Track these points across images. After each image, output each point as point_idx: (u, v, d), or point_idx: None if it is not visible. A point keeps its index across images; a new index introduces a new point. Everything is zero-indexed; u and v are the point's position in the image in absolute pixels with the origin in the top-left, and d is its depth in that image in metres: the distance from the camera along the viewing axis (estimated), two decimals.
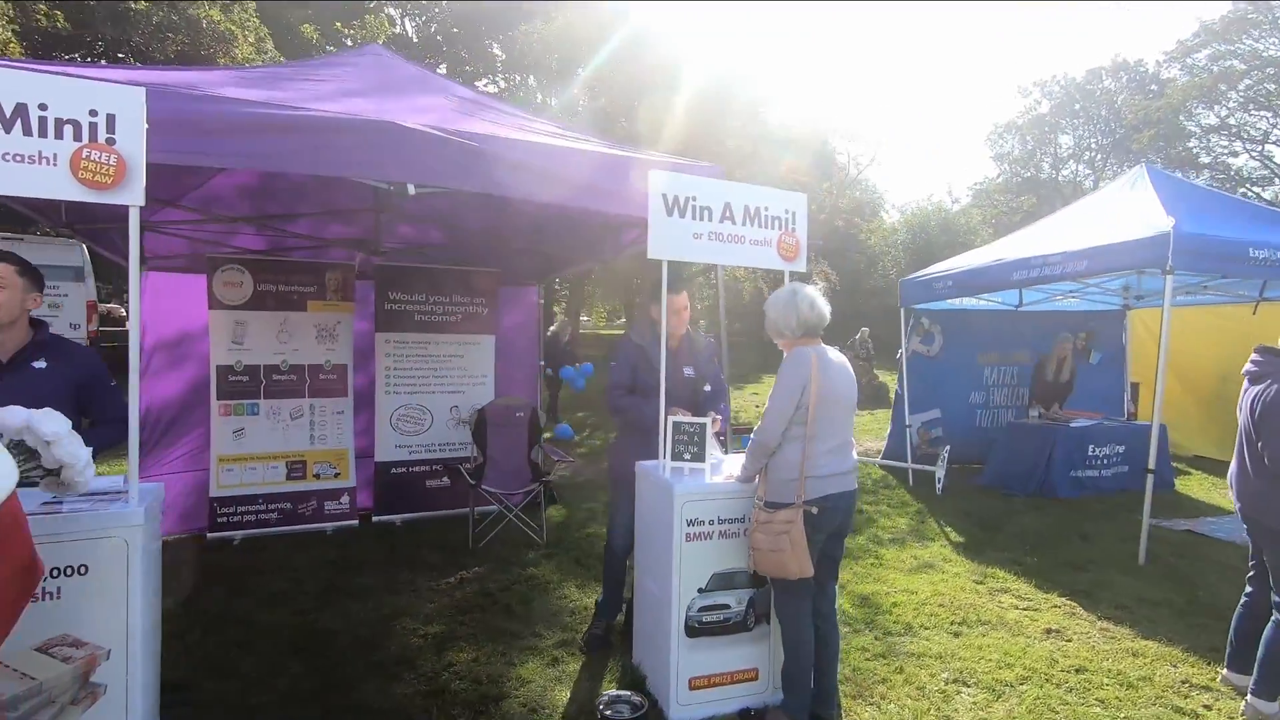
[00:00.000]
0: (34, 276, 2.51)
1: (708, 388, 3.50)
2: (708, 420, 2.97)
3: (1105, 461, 7.26)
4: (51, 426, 1.96)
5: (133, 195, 2.24)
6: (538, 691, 2.99)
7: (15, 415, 1.95)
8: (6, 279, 2.39)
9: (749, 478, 2.76)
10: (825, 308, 2.78)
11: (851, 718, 2.85)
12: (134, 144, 2.22)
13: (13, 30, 8.21)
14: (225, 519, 5.33)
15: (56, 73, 2.31)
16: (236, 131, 2.54)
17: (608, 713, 2.79)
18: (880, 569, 4.78)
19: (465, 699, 2.92)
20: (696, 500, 2.82)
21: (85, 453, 2.01)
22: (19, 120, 2.10)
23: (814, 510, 2.57)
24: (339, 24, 22.91)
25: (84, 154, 2.16)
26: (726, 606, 2.86)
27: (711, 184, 3.15)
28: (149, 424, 5.35)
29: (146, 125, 2.26)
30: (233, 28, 12.52)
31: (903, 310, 8.00)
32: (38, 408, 2.40)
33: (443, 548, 5.02)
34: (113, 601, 2.06)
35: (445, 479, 6.02)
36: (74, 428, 2.05)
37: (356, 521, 5.69)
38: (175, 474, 5.41)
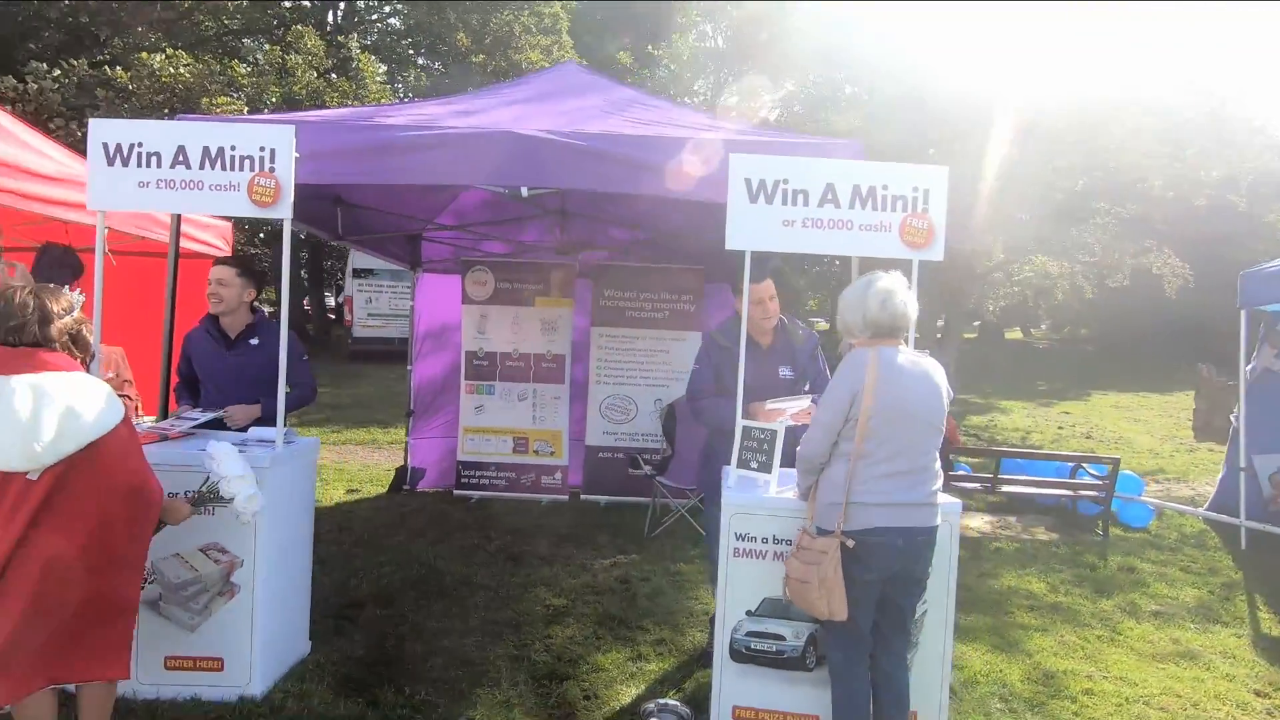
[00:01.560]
0: (253, 275, 3.36)
1: (808, 389, 3.11)
2: (779, 427, 2.65)
3: None
4: (231, 469, 2.49)
5: (284, 210, 2.87)
6: (604, 682, 3.03)
7: (219, 458, 2.51)
8: (227, 280, 3.25)
9: (802, 495, 2.41)
10: (903, 304, 2.27)
11: None
12: (286, 171, 2.84)
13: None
14: (467, 480, 6.35)
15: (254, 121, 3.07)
16: (367, 154, 3.08)
17: (647, 714, 2.70)
18: (1107, 644, 3.68)
19: (538, 670, 3.09)
20: (746, 513, 2.56)
21: (246, 490, 2.50)
22: (219, 159, 2.86)
23: (849, 543, 2.13)
24: (650, 47, 25.12)
25: (255, 181, 2.84)
26: (780, 638, 2.54)
27: (809, 163, 2.81)
28: (419, 397, 6.63)
29: (297, 155, 2.87)
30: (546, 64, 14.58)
31: (1244, 313, 5.95)
32: (252, 372, 3.23)
33: (618, 532, 5.29)
34: (239, 527, 2.68)
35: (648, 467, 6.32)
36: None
37: (566, 497, 6.29)
38: (436, 439, 6.61)
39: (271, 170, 2.83)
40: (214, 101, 8.78)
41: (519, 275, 6.42)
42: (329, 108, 10.09)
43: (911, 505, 2.18)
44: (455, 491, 6.29)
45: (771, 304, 3.14)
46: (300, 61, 9.93)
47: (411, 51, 19.13)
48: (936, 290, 15.91)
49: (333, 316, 21.50)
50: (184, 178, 2.85)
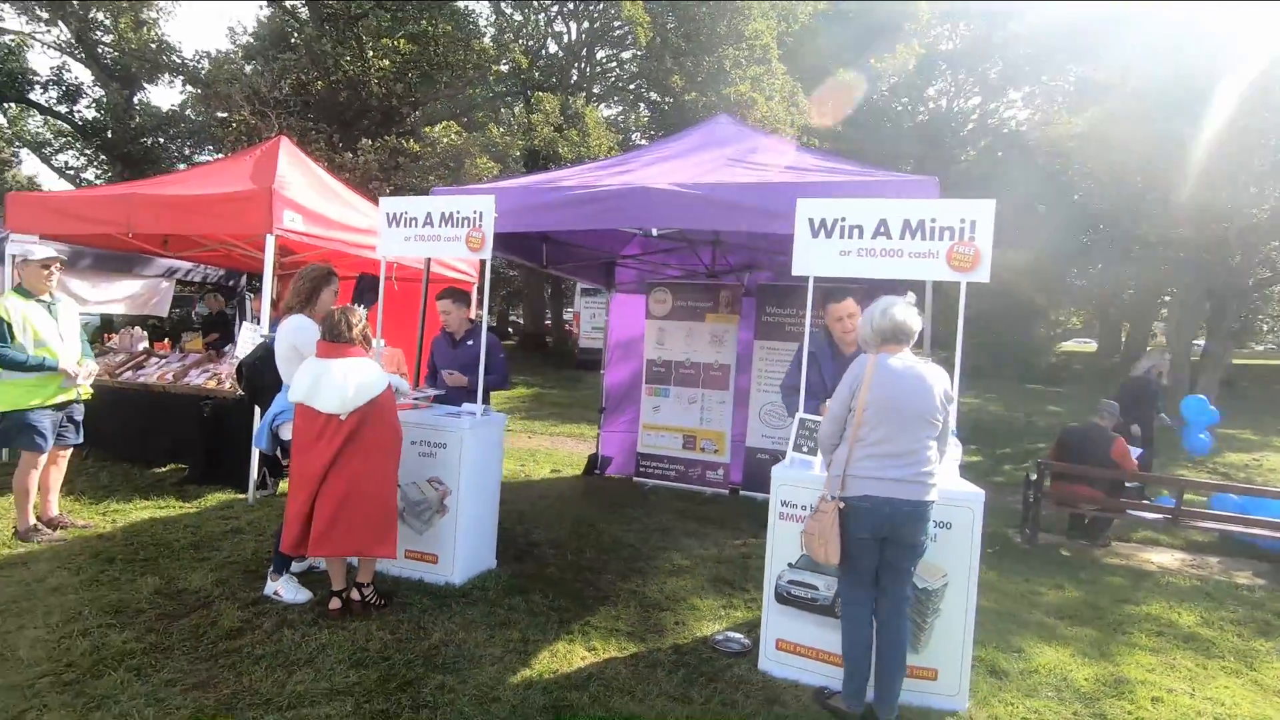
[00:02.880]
0: (463, 300, 4.75)
1: None
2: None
3: None
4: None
5: (486, 252, 4.15)
6: (694, 618, 3.82)
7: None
8: (446, 308, 4.67)
9: (825, 469, 3.01)
10: (901, 316, 2.80)
11: None
12: (489, 225, 4.12)
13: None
14: (644, 469, 7.46)
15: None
16: (543, 209, 4.27)
17: (716, 641, 3.47)
18: (1227, 674, 3.54)
19: (647, 602, 3.99)
20: (789, 485, 3.21)
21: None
22: (449, 220, 4.23)
23: (840, 505, 2.71)
24: (873, 60, 24.77)
25: (469, 235, 4.17)
26: (814, 588, 3.14)
27: (863, 203, 3.37)
28: (610, 397, 7.90)
29: (496, 215, 4.14)
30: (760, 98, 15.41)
31: None
32: (466, 360, 4.60)
33: (761, 522, 5.94)
34: (450, 468, 3.98)
35: None
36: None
37: (727, 491, 7.09)
38: (622, 433, 7.83)
39: (480, 225, 4.14)
40: (475, 161, 11.22)
41: (693, 294, 7.39)
42: (561, 156, 12.08)
43: (897, 481, 2.71)
44: (634, 478, 7.42)
45: (850, 321, 3.72)
46: (540, 119, 12.14)
47: (641, 91, 21.28)
48: (1190, 308, 13.67)
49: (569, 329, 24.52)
50: (429, 234, 4.28)
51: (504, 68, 13.87)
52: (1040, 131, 18.50)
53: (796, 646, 3.21)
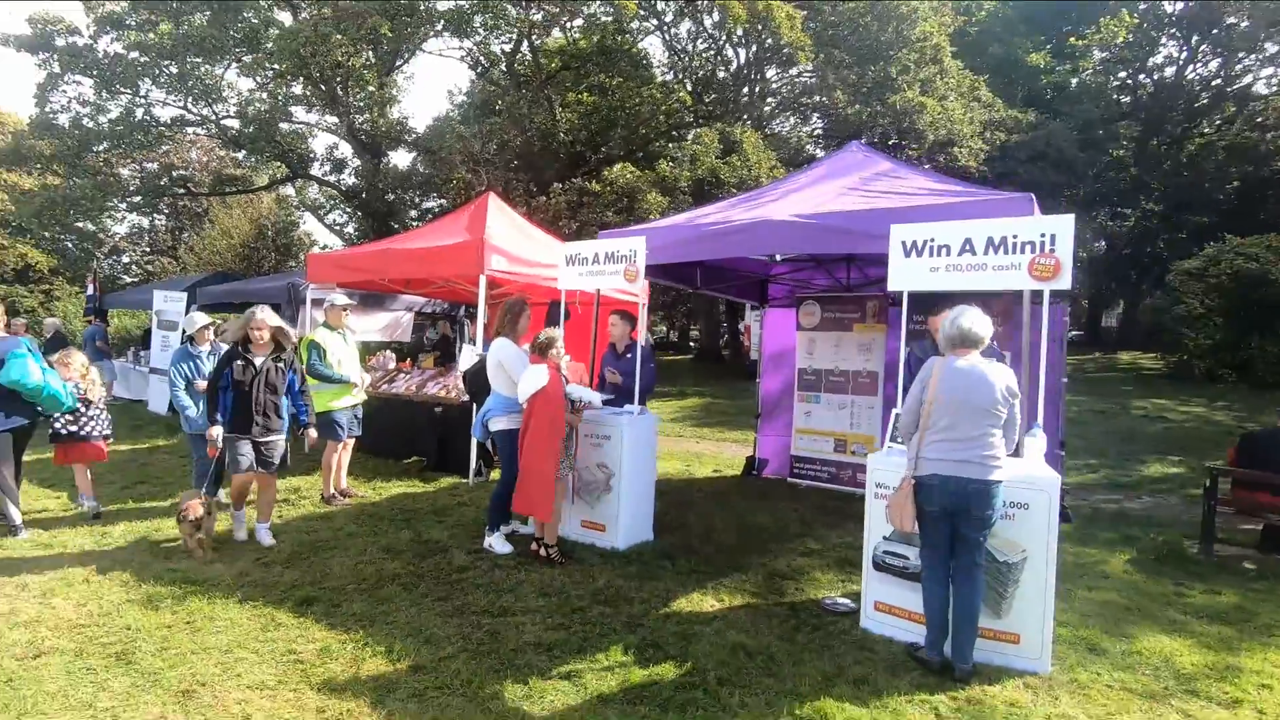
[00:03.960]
0: (628, 319, 5.79)
1: None
2: None
3: None
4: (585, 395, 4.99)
5: (638, 288, 5.16)
6: (814, 586, 4.44)
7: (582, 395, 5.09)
8: (614, 322, 5.72)
9: (908, 456, 3.54)
10: (967, 324, 3.28)
11: None
12: (641, 262, 5.12)
13: None
14: (799, 471, 8.05)
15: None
16: (683, 244, 5.19)
17: (826, 602, 4.09)
18: None
19: (775, 571, 4.68)
20: (882, 469, 3.76)
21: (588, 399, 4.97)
22: (610, 259, 5.30)
23: (911, 481, 3.25)
24: (1071, 39, 22.80)
25: (627, 270, 5.20)
26: (905, 557, 3.66)
27: (949, 225, 3.85)
28: (765, 403, 8.58)
29: (647, 250, 5.13)
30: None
31: None
32: (626, 367, 5.65)
33: None
34: (614, 455, 5.01)
35: None
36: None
37: None
38: (777, 436, 8.47)
39: (634, 261, 5.16)
40: (646, 196, 12.52)
41: (840, 306, 7.88)
42: (725, 181, 13.00)
43: (960, 462, 3.20)
44: (789, 479, 8.03)
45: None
46: (702, 150, 13.16)
47: (808, 106, 21.60)
48: None
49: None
50: (596, 270, 5.38)
51: (674, 104, 15.12)
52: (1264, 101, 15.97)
53: (892, 608, 3.75)
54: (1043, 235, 3.60)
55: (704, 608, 4.08)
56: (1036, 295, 6.95)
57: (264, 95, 15.92)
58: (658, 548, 5.13)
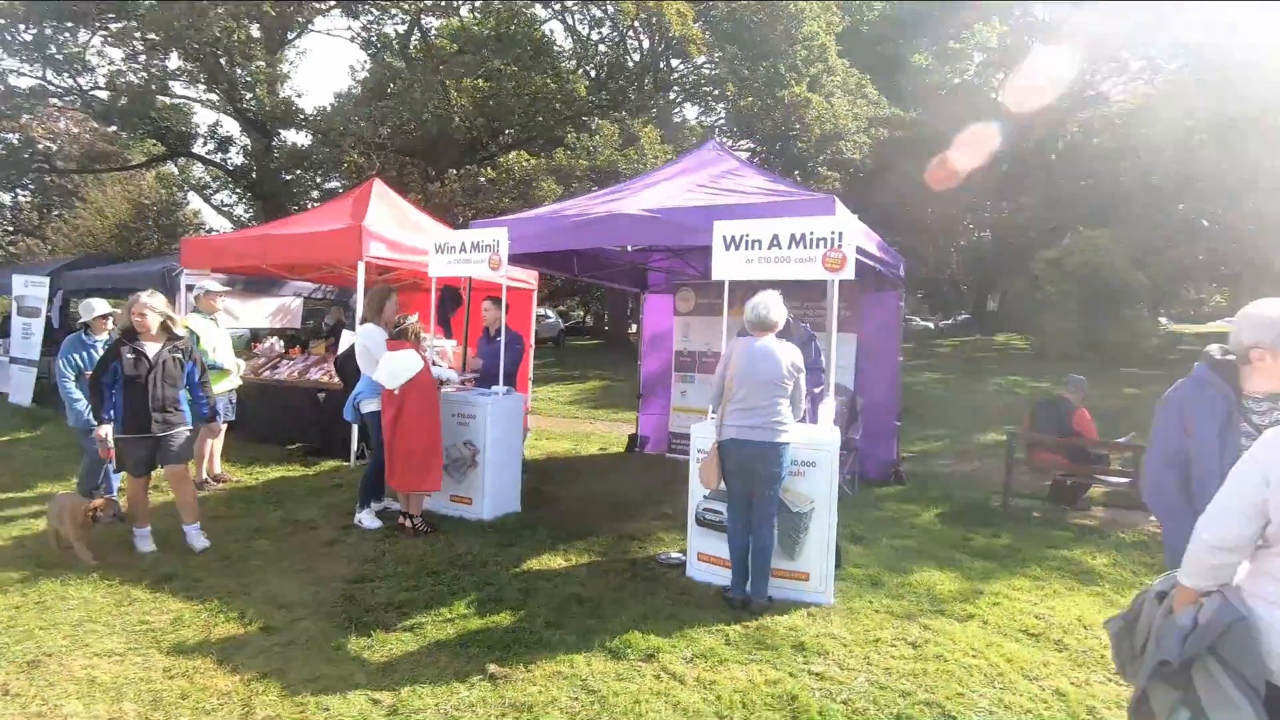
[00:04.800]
0: (498, 305, 6.11)
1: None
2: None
3: None
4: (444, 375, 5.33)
5: (502, 276, 5.49)
6: (656, 544, 4.96)
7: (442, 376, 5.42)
8: (488, 307, 6.03)
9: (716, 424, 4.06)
10: (764, 310, 3.84)
11: None
12: (505, 250, 5.45)
13: None
14: (676, 447, 8.60)
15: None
16: (545, 234, 5.55)
17: (661, 558, 4.62)
18: (1071, 582, 4.26)
19: (624, 532, 5.18)
20: (700, 436, 4.29)
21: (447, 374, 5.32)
22: (475, 248, 5.60)
23: (716, 444, 3.80)
24: (952, 42, 24.37)
25: (490, 258, 5.52)
26: (720, 513, 4.20)
27: (760, 223, 4.39)
28: (646, 384, 9.10)
29: (509, 240, 5.46)
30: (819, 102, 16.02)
31: None
32: (493, 349, 5.98)
33: None
34: (479, 433, 5.35)
35: None
36: None
37: None
38: (657, 415, 9.01)
39: (497, 251, 5.48)
40: (541, 184, 12.78)
41: (714, 293, 8.45)
42: (622, 173, 13.40)
43: (752, 427, 3.75)
44: (667, 455, 8.58)
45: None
46: (601, 142, 13.53)
47: (712, 97, 22.29)
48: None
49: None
50: (463, 258, 5.67)
51: (570, 93, 15.38)
52: (1117, 105, 17.81)
53: (711, 558, 4.30)
54: (833, 232, 4.19)
55: (552, 566, 4.51)
56: (878, 282, 7.72)
57: (136, 67, 15.03)
58: (523, 518, 5.52)
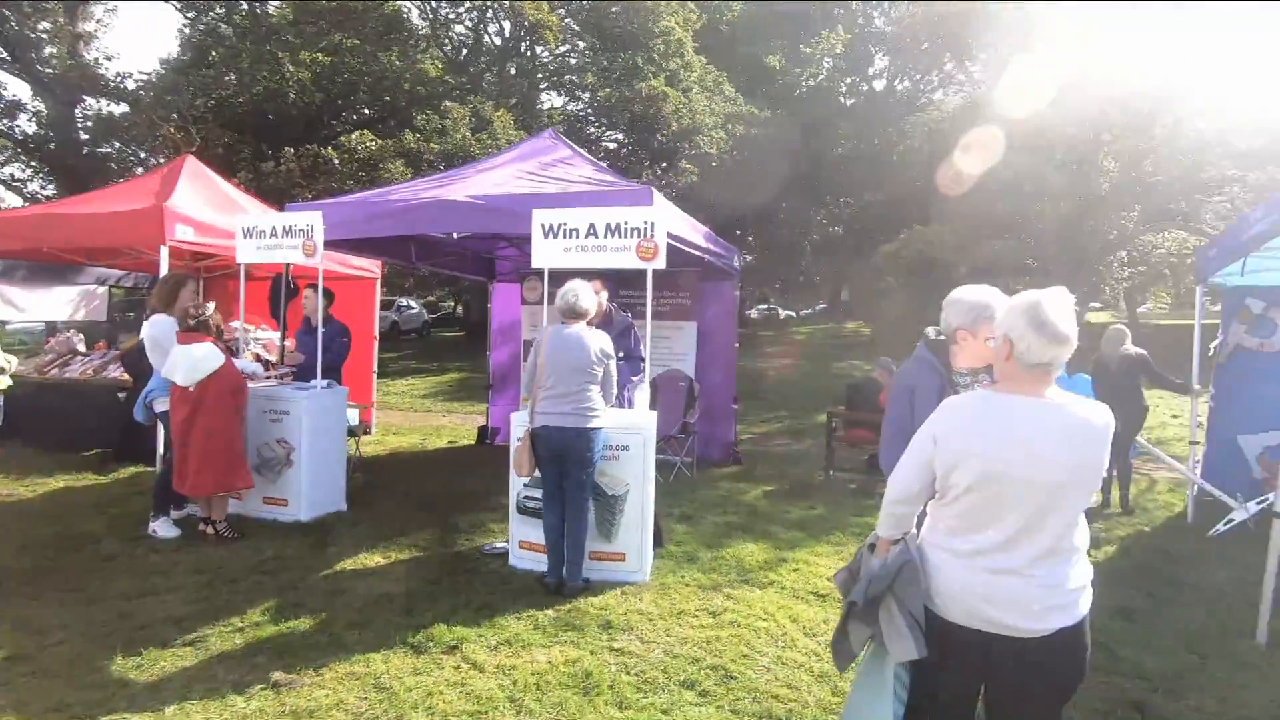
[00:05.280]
0: (327, 295, 5.77)
1: (620, 354, 4.71)
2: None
3: None
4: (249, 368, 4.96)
5: (318, 260, 5.17)
6: (485, 538, 4.91)
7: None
8: (309, 296, 5.66)
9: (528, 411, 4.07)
10: (573, 298, 3.89)
11: None
12: (319, 236, 5.13)
13: None
14: None
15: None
16: (364, 220, 5.28)
17: (485, 548, 4.57)
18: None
19: (454, 528, 5.08)
20: (518, 424, 4.29)
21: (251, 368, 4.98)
22: (289, 233, 5.23)
23: (528, 431, 3.82)
24: (803, 46, 25.70)
25: (305, 244, 5.18)
26: (539, 500, 4.23)
27: (577, 211, 4.44)
28: (496, 375, 8.95)
29: (325, 225, 5.15)
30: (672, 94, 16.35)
31: (1200, 291, 5.98)
32: (315, 343, 5.63)
33: None
34: (293, 430, 5.03)
35: None
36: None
37: None
38: (506, 406, 8.88)
39: (311, 236, 5.15)
40: (389, 166, 12.16)
41: (560, 282, 8.43)
42: (476, 157, 13.04)
43: (561, 414, 3.79)
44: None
45: (598, 297, 4.80)
46: (452, 124, 13.07)
47: (577, 85, 22.15)
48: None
49: None
50: (274, 244, 5.28)
51: (419, 73, 14.69)
52: (928, 113, 19.62)
53: (532, 545, 4.31)
54: (646, 222, 4.30)
55: (369, 565, 4.34)
56: (715, 274, 8.02)
57: None
58: (348, 517, 5.27)
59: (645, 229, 4.30)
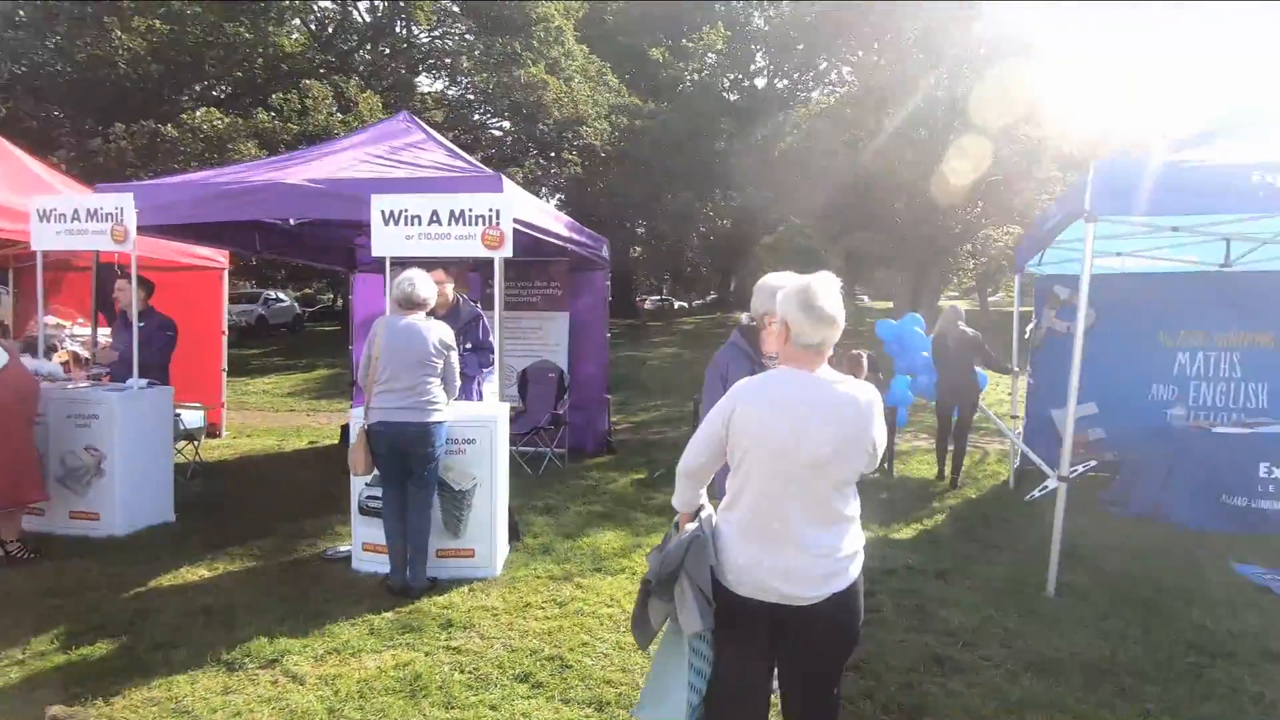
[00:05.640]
0: (144, 285, 5.20)
1: (468, 345, 4.58)
2: None
3: None
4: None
5: (129, 246, 4.67)
6: (331, 542, 4.65)
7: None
8: (123, 286, 5.11)
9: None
10: (409, 288, 3.74)
11: None
12: (132, 221, 4.64)
13: None
14: None
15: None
16: (189, 204, 4.84)
17: (328, 553, 4.33)
18: None
19: (295, 534, 4.77)
20: (357, 421, 4.09)
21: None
22: (95, 216, 4.70)
23: (364, 428, 3.65)
24: (686, 41, 26.06)
25: (113, 229, 4.66)
26: (380, 499, 4.05)
27: (419, 197, 4.27)
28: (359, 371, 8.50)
29: (138, 209, 4.65)
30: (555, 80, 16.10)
31: (1018, 280, 6.61)
32: (141, 342, 5.10)
33: None
34: (105, 435, 4.54)
35: None
36: None
37: None
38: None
39: (122, 221, 4.65)
40: (239, 147, 11.20)
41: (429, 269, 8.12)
42: (339, 137, 12.30)
43: (398, 409, 3.64)
44: None
45: (442, 287, 4.63)
46: (313, 104, 12.25)
47: (457, 70, 21.41)
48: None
49: None
50: (78, 228, 4.73)
51: (274, 49, 13.61)
52: (797, 111, 20.56)
53: (376, 546, 4.11)
54: (491, 209, 4.19)
55: (190, 579, 3.99)
56: (585, 264, 8.00)
57: None
58: (175, 528, 4.83)
59: (491, 216, 4.19)
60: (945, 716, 2.70)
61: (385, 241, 4.29)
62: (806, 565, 1.88)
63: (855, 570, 1.95)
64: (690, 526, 2.07)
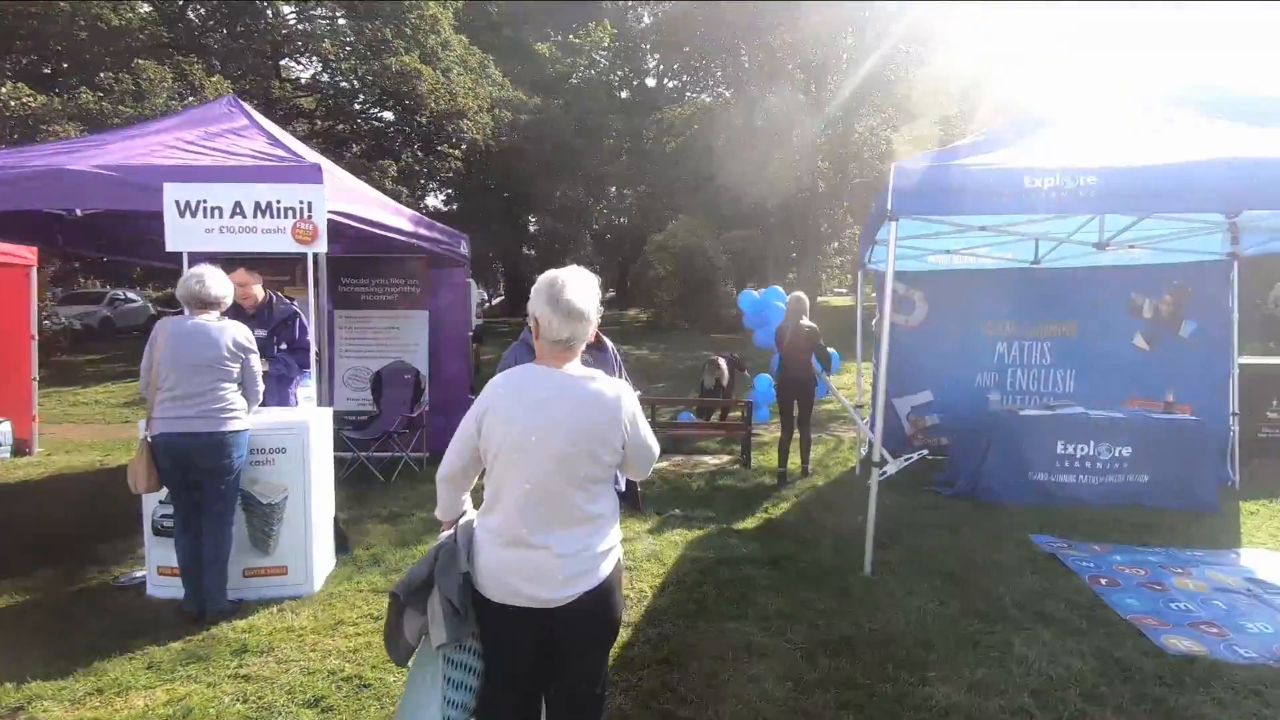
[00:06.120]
0: None
1: (283, 346, 4.29)
2: None
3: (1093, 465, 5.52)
4: None
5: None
6: (134, 566, 4.22)
7: None
8: None
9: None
10: (196, 285, 3.43)
11: None
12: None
13: None
14: None
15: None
16: None
17: (121, 580, 3.93)
18: None
19: (97, 559, 4.30)
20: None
21: None
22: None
23: (148, 440, 3.32)
24: (573, 36, 25.84)
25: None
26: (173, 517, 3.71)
27: (220, 187, 3.93)
28: None
29: None
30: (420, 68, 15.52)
31: (860, 276, 6.96)
32: None
33: None
34: None
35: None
36: None
37: None
38: None
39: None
40: (58, 129, 9.98)
41: (272, 268, 7.55)
42: (150, 121, 11.24)
43: (183, 418, 3.33)
44: None
45: (245, 288, 4.30)
46: (149, 86, 11.15)
47: (326, 54, 20.20)
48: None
49: None
50: None
51: (98, 18, 12.19)
52: (674, 111, 20.95)
53: (173, 570, 3.74)
54: (302, 202, 3.93)
55: None
56: (444, 260, 7.71)
57: None
58: None
59: (302, 209, 3.93)
60: (741, 702, 2.76)
61: (181, 235, 3.93)
62: (551, 566, 1.83)
63: (607, 569, 1.92)
64: (444, 535, 1.98)
